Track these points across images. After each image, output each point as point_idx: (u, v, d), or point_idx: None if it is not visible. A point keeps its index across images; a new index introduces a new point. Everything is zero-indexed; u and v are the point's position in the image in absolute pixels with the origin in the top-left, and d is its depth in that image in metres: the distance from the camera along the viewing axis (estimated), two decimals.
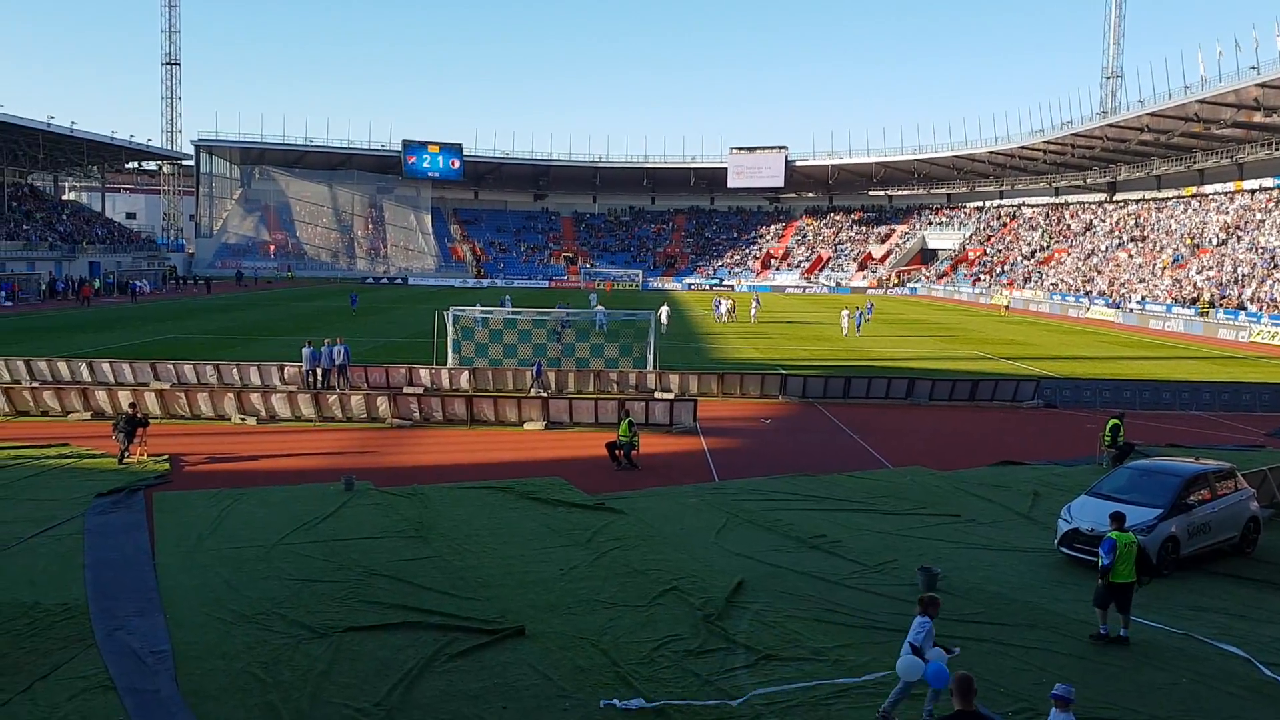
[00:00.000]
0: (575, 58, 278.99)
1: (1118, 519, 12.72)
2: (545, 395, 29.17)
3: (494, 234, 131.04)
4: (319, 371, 30.49)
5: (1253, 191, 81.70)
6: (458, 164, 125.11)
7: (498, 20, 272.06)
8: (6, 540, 15.15)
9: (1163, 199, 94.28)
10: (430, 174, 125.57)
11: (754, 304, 70.29)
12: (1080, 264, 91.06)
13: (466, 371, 32.63)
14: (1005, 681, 10.88)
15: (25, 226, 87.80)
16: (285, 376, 31.21)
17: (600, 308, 43.81)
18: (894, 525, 17.25)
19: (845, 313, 56.33)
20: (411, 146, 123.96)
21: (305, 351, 30.65)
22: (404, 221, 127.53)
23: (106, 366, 31.30)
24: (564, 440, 24.99)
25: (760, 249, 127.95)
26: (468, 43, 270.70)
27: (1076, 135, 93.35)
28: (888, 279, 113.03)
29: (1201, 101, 74.57)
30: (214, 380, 30.80)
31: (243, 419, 26.28)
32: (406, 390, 30.26)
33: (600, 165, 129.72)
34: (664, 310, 59.86)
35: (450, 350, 34.16)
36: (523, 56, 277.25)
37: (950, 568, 14.63)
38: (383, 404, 26.89)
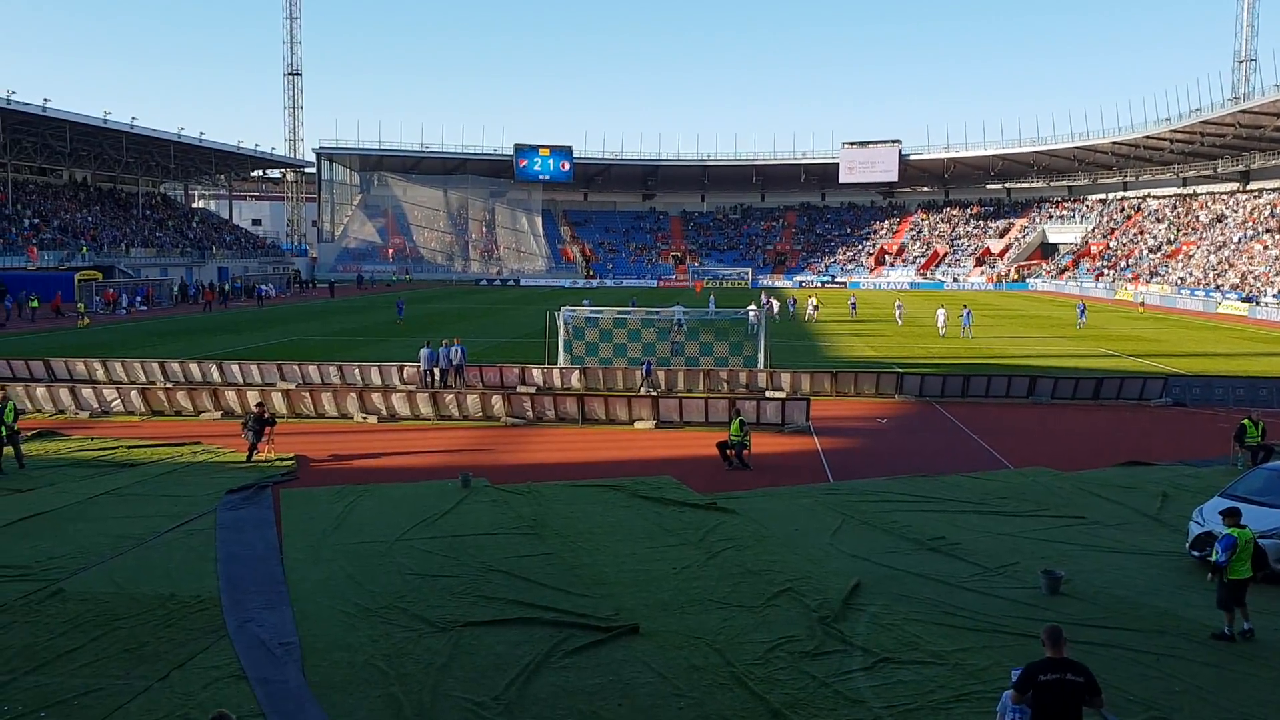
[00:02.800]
0: (684, 56, 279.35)
1: (1232, 515, 12.36)
2: (655, 394, 29.25)
3: (603, 234, 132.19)
4: (436, 371, 31.22)
5: None
6: (568, 166, 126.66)
7: (607, 22, 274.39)
8: (145, 535, 15.89)
9: None
10: (541, 176, 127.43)
11: (810, 303, 65.14)
12: (1210, 257, 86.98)
13: (578, 371, 32.97)
14: (1134, 689, 10.45)
15: (158, 234, 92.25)
16: (404, 376, 32.02)
17: (679, 306, 43.63)
18: (1015, 527, 16.74)
19: (942, 311, 53.00)
20: (523, 150, 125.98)
21: (423, 352, 31.41)
22: (516, 224, 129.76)
23: (235, 368, 32.63)
24: (674, 439, 25.00)
25: (874, 245, 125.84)
26: (578, 45, 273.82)
27: (1206, 123, 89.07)
28: (1006, 274, 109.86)
29: None
30: (337, 380, 31.80)
31: (364, 418, 27.06)
32: (520, 389, 30.73)
33: (709, 163, 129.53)
34: (775, 304, 59.70)
35: (561, 350, 34.57)
36: (631, 57, 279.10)
37: (1074, 571, 14.13)
38: (497, 403, 27.36)
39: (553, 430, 26.19)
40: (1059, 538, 16.17)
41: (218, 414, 27.30)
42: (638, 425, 26.44)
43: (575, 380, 32.52)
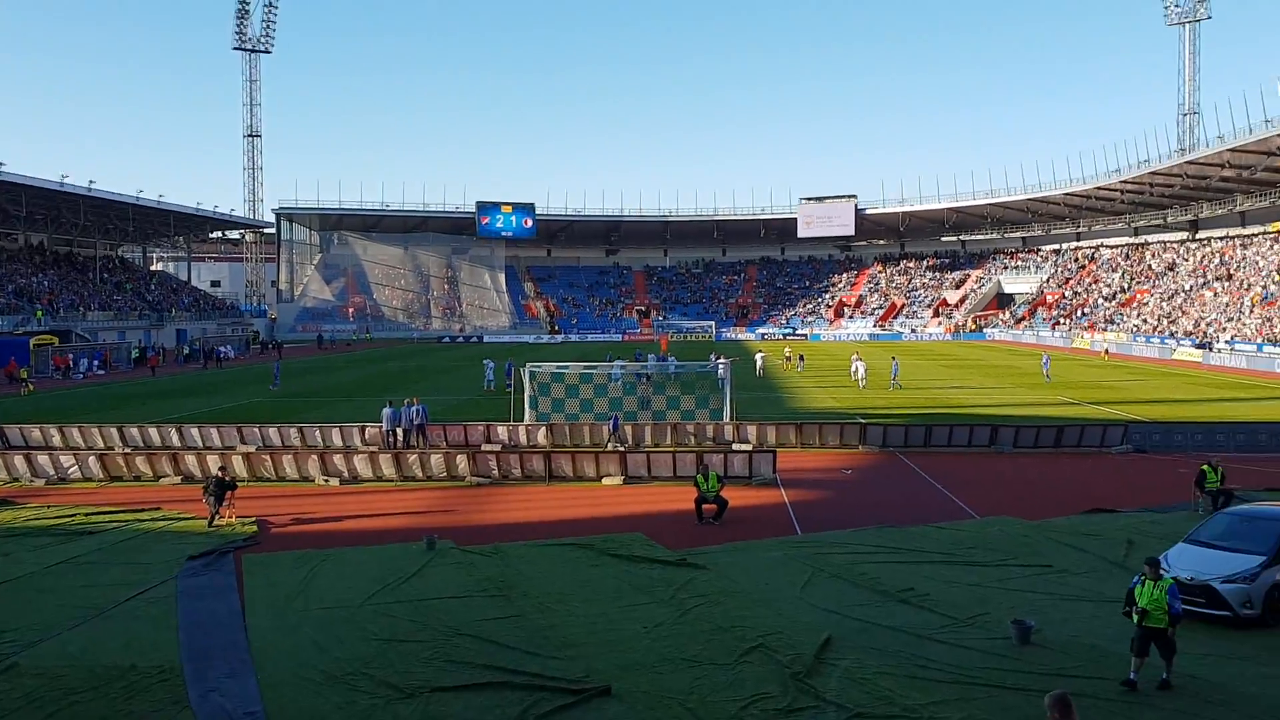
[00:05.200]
0: (645, 114, 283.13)
1: (1154, 565, 12.34)
2: (623, 449, 29.19)
3: (567, 290, 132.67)
4: (399, 431, 30.97)
5: None
6: (530, 223, 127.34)
7: (568, 80, 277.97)
8: (104, 604, 15.53)
9: (1249, 235, 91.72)
10: (504, 233, 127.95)
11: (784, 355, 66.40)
12: (1164, 304, 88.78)
13: (544, 427, 32.84)
14: None
15: (116, 297, 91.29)
16: (366, 437, 31.73)
17: (619, 362, 43.47)
18: (983, 577, 16.80)
19: (860, 363, 52.07)
20: (485, 207, 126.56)
21: (385, 412, 31.17)
22: (479, 281, 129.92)
23: (195, 431, 32.17)
24: (643, 495, 24.92)
25: (833, 297, 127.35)
26: (538, 103, 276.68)
27: (1155, 174, 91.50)
28: (963, 324, 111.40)
29: None
30: (298, 442, 31.43)
31: (326, 480, 26.74)
32: (485, 447, 30.55)
33: (670, 219, 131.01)
34: (759, 358, 59.91)
35: (527, 406, 34.45)
36: (593, 115, 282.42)
37: (1044, 620, 14.18)
38: (462, 462, 27.16)
39: (519, 489, 26.01)
40: (1027, 587, 16.25)
41: (178, 479, 26.86)
42: (606, 481, 26.34)
43: (541, 437, 32.39)
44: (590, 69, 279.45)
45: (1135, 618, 12.08)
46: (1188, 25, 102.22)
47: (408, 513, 22.99)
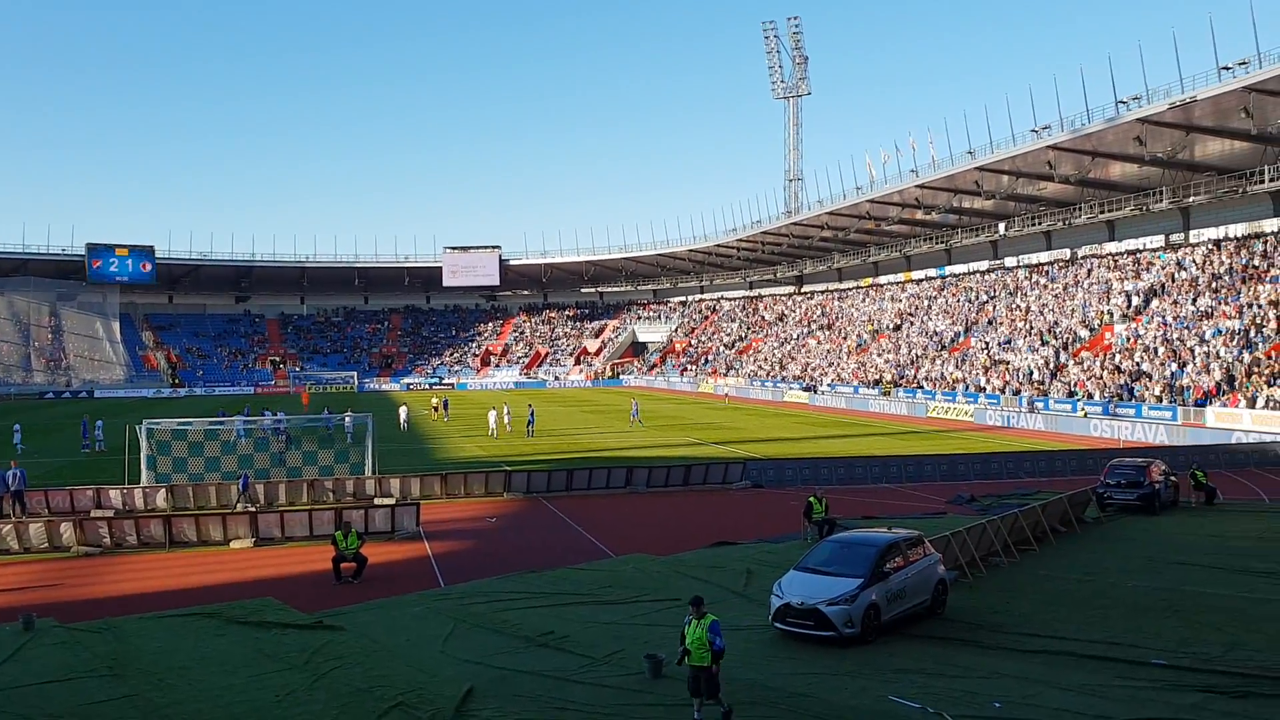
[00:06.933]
0: (275, 152, 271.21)
1: (698, 604, 12.61)
2: (254, 509, 27.53)
3: (192, 339, 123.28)
4: None
5: (919, 281, 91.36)
6: (149, 267, 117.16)
7: (191, 112, 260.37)
8: None
9: (844, 289, 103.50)
10: (119, 278, 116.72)
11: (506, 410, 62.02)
12: (776, 351, 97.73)
13: (164, 489, 30.25)
14: None
15: None
16: None
17: (238, 417, 41.49)
18: (619, 615, 17.48)
19: (493, 411, 53.89)
20: (97, 250, 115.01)
21: None
22: (88, 330, 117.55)
23: None
24: (276, 557, 23.61)
25: (479, 346, 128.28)
26: (159, 138, 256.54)
27: (766, 233, 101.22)
28: (602, 371, 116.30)
29: (872, 201, 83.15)
30: None
31: None
32: (95, 514, 27.60)
33: (308, 265, 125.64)
34: (402, 410, 58.55)
35: (144, 467, 31.58)
36: (217, 151, 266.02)
37: (675, 652, 14.93)
38: (67, 530, 24.35)
39: (135, 557, 23.72)
40: (659, 620, 17.09)
41: None
42: (234, 545, 24.68)
43: (161, 500, 29.81)
44: (218, 99, 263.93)
45: (679, 657, 12.45)
46: (791, 100, 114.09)
47: (0, 590, 20.29)
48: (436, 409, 65.81)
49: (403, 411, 59.11)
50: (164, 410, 66.74)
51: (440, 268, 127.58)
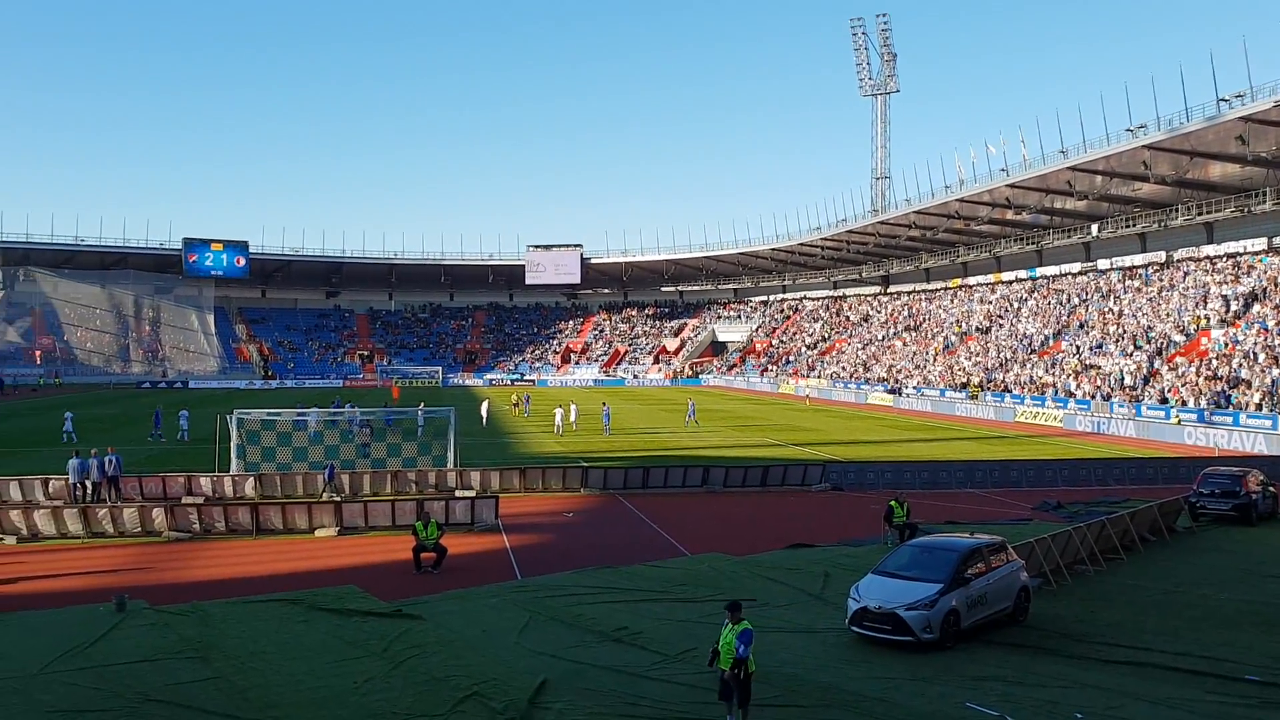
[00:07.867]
0: (367, 151, 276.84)
1: (735, 609, 12.26)
2: (339, 499, 28.12)
3: (283, 333, 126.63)
4: (88, 484, 28.29)
5: (1009, 282, 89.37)
6: (243, 262, 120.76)
7: (282, 110, 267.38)
8: None
9: (932, 290, 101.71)
10: (214, 272, 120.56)
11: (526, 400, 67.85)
12: (859, 352, 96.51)
13: (252, 478, 31.06)
14: None
15: None
16: (50, 490, 28.82)
17: (349, 405, 42.19)
18: (693, 613, 17.42)
19: (560, 410, 53.29)
20: (193, 244, 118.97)
21: (72, 463, 28.34)
22: (184, 322, 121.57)
23: None
24: (359, 546, 24.08)
25: (560, 344, 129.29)
26: (254, 135, 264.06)
27: (851, 232, 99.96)
28: (681, 370, 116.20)
29: (961, 200, 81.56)
30: None
31: (2, 538, 23.99)
32: (185, 500, 28.47)
33: (396, 262, 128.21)
34: (484, 405, 59.27)
35: (234, 456, 32.50)
36: (310, 149, 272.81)
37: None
38: (159, 516, 25.17)
39: (223, 543, 24.42)
40: None
41: None
42: (319, 533, 25.23)
43: (249, 488, 30.61)
44: (308, 100, 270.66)
45: (709, 659, 12.21)
46: (879, 96, 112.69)
47: (96, 572, 21.02)
48: (517, 404, 66.56)
49: (484, 406, 59.85)
50: (254, 401, 68.55)
51: (523, 266, 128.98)
